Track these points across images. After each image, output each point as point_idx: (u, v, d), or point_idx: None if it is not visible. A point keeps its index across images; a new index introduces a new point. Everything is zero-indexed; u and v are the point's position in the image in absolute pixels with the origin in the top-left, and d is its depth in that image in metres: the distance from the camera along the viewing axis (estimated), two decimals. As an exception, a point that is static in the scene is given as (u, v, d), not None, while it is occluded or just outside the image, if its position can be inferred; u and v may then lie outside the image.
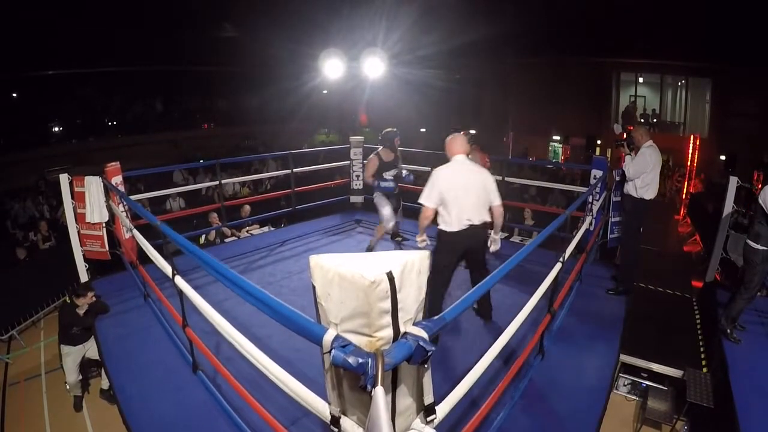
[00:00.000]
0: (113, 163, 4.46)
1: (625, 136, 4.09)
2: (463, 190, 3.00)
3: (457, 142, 3.14)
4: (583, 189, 5.32)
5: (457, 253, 3.14)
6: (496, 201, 3.14)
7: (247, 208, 6.49)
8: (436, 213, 3.10)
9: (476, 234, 3.10)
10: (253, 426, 2.35)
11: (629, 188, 3.94)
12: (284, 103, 16.25)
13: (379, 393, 1.08)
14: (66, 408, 4.34)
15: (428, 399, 1.48)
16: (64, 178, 4.29)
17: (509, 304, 3.62)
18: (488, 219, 3.13)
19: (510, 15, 11.52)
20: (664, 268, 5.71)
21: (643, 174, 3.81)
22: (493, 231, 3.30)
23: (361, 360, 1.13)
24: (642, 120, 14.16)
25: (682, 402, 3.34)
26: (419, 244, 3.19)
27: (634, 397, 3.96)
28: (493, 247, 3.33)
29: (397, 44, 10.20)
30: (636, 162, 3.83)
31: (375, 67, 5.91)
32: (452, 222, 3.03)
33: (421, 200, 3.07)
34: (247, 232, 6.32)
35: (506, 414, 2.42)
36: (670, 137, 13.24)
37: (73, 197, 4.33)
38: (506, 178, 5.47)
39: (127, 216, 4.23)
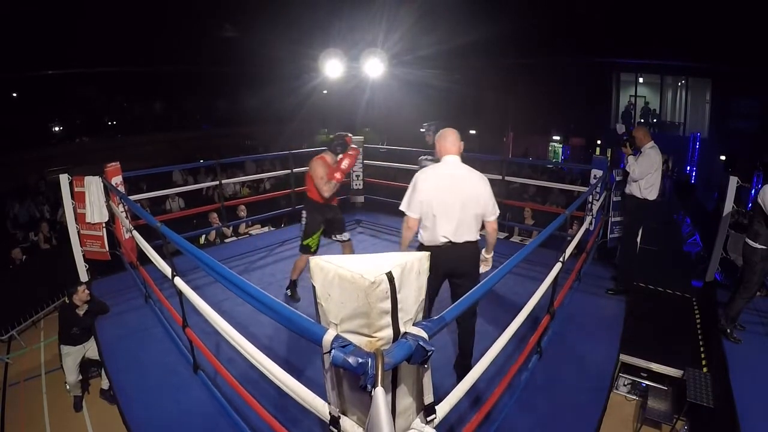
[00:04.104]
0: (113, 163, 4.47)
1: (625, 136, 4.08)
2: (442, 202, 2.47)
3: (448, 139, 2.58)
4: (584, 189, 5.32)
5: (437, 273, 2.34)
6: (491, 216, 2.58)
7: (242, 207, 6.52)
8: None
9: (458, 255, 2.55)
10: (253, 426, 2.35)
11: (633, 189, 3.93)
12: (284, 103, 16.24)
13: (379, 393, 1.08)
14: (66, 408, 4.34)
15: (428, 399, 1.48)
16: (64, 178, 4.30)
17: (509, 304, 3.63)
18: (477, 237, 2.56)
19: (510, 15, 11.50)
20: (664, 268, 5.71)
21: (648, 175, 3.81)
22: (484, 250, 2.76)
23: (361, 360, 1.13)
24: (642, 120, 14.17)
25: (682, 402, 3.34)
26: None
27: (634, 397, 3.96)
28: (483, 268, 2.79)
29: (398, 44, 10.18)
30: (641, 163, 3.82)
31: (375, 67, 5.90)
32: (428, 237, 2.56)
33: (402, 207, 2.62)
34: (247, 233, 6.32)
35: (506, 414, 2.43)
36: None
37: (73, 197, 4.33)
38: (506, 178, 5.48)
39: (126, 216, 4.23)
